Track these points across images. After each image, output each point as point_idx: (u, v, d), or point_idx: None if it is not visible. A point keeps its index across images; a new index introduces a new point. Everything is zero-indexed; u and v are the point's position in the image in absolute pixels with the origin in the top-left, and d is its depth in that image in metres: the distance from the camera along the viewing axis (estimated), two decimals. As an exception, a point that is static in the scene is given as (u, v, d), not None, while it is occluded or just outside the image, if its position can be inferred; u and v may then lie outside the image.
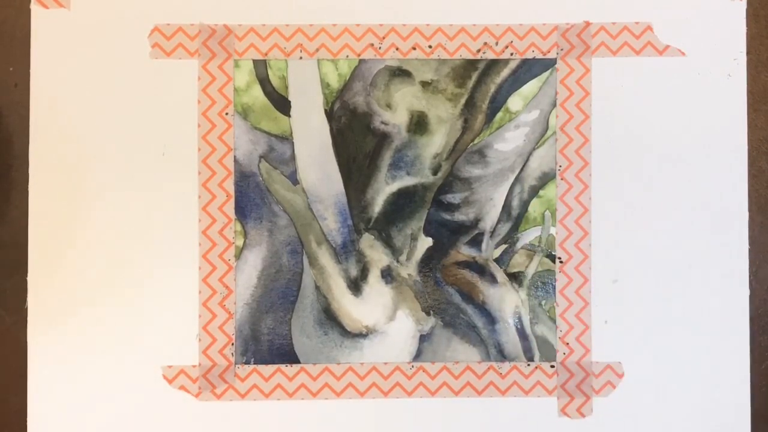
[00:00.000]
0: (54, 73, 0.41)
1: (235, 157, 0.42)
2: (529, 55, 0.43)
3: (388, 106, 0.42)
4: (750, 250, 0.43)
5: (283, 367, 0.42)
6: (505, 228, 0.43)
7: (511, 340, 0.42)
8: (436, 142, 0.42)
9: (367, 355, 0.42)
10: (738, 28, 0.43)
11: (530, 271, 0.43)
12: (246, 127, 0.42)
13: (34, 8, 0.42)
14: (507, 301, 0.43)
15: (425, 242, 0.43)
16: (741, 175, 0.43)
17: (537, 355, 0.42)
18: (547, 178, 0.43)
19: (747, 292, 0.42)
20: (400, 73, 0.42)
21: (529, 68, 0.43)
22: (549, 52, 0.43)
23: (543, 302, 0.43)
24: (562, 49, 0.43)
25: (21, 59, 0.41)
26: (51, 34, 0.42)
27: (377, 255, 0.42)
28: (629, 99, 0.43)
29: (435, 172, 0.43)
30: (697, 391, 0.42)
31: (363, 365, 0.42)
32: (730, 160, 0.43)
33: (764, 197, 0.43)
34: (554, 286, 0.42)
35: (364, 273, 0.42)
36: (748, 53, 0.43)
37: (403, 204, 0.42)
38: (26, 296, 0.41)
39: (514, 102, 0.43)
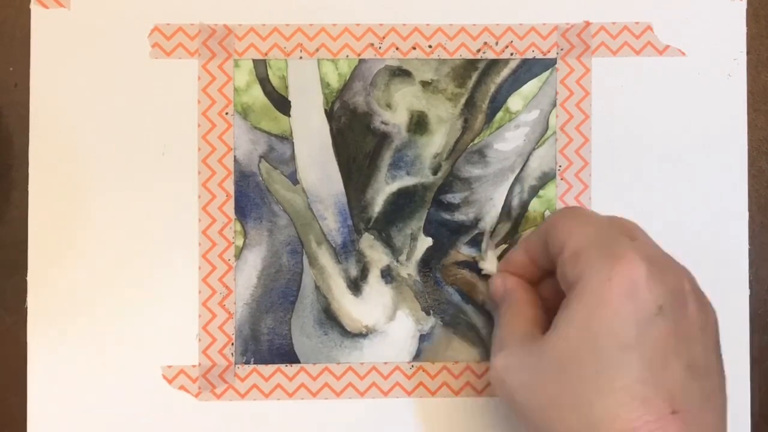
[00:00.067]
0: (54, 73, 0.41)
1: (235, 157, 0.42)
2: (529, 55, 0.43)
3: (388, 105, 0.42)
4: (750, 250, 0.43)
5: (283, 367, 0.42)
6: (505, 228, 0.43)
7: (511, 340, 0.42)
8: (436, 142, 0.42)
9: (367, 355, 0.42)
10: (738, 28, 0.43)
11: (530, 271, 0.43)
12: (246, 126, 0.42)
13: (34, 8, 0.42)
14: (507, 301, 0.43)
15: (425, 242, 0.43)
16: (741, 175, 0.43)
17: (537, 355, 0.42)
18: (547, 178, 0.43)
19: (747, 292, 0.42)
20: (400, 72, 0.42)
21: (529, 68, 0.43)
22: (549, 52, 0.43)
23: (543, 302, 0.42)
24: (562, 49, 0.43)
25: (21, 59, 0.41)
26: (51, 34, 0.42)
27: (377, 255, 0.42)
28: (629, 99, 0.43)
29: (435, 172, 0.43)
30: (697, 391, 0.42)
31: (363, 365, 0.42)
32: (730, 160, 0.43)
33: (764, 197, 0.43)
34: (554, 286, 0.42)
35: (364, 273, 0.42)
36: (748, 53, 0.43)
37: (403, 204, 0.42)
38: (26, 296, 0.41)
39: (514, 102, 0.43)
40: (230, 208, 0.42)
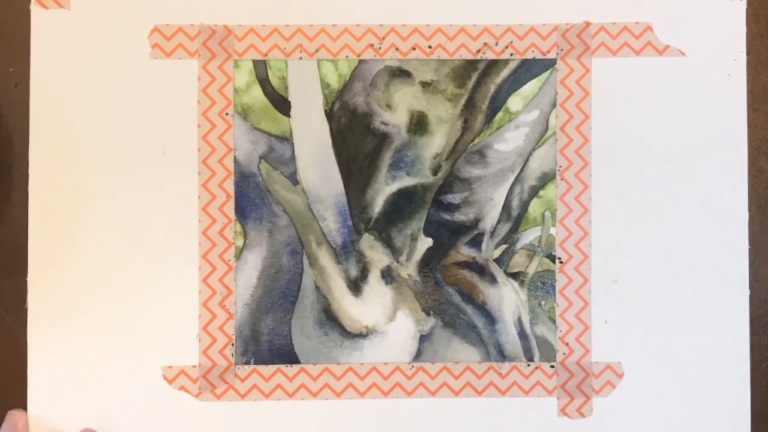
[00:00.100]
0: (54, 73, 0.41)
1: (235, 157, 0.42)
2: (529, 56, 0.43)
3: (388, 106, 0.42)
4: (750, 250, 0.43)
5: (283, 367, 0.42)
6: (505, 228, 0.43)
7: (511, 340, 0.42)
8: (436, 143, 0.42)
9: (367, 356, 0.42)
10: (738, 28, 0.43)
11: (530, 271, 0.43)
12: (246, 127, 0.42)
13: (34, 8, 0.42)
14: (507, 302, 0.43)
15: (425, 242, 0.43)
16: (741, 175, 0.43)
17: (537, 355, 0.42)
18: (547, 179, 0.43)
19: (747, 292, 0.42)
20: (400, 73, 0.42)
21: (529, 68, 0.43)
22: (549, 52, 0.43)
23: (543, 302, 0.43)
24: (562, 50, 0.43)
25: (21, 59, 0.41)
26: (51, 34, 0.42)
27: (377, 255, 0.42)
28: (629, 99, 0.43)
29: (435, 173, 0.43)
30: (697, 391, 0.42)
31: (363, 365, 0.42)
32: (730, 160, 0.43)
33: (764, 197, 0.43)
34: (554, 286, 0.42)
35: (364, 273, 0.42)
36: (748, 53, 0.43)
37: (403, 204, 0.42)
38: (26, 296, 0.41)
39: (514, 102, 0.43)
40: (230, 208, 0.42)
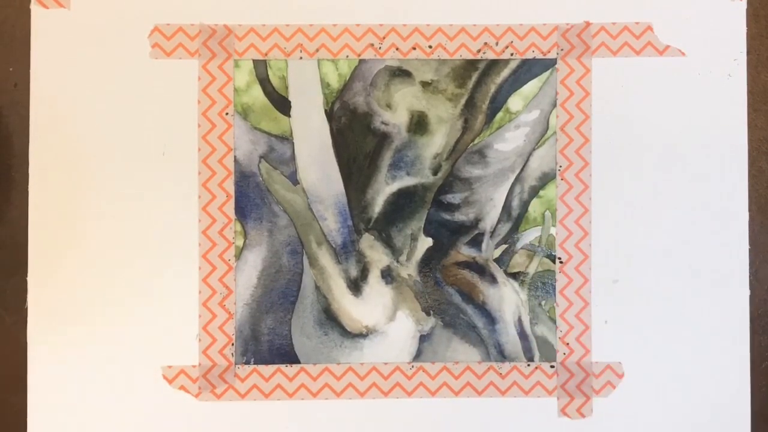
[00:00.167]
0: (54, 73, 0.41)
1: (235, 157, 0.42)
2: (530, 55, 0.43)
3: (388, 106, 0.42)
4: (750, 250, 0.43)
5: (283, 367, 0.42)
6: (505, 228, 0.43)
7: (511, 340, 0.42)
8: (436, 142, 0.42)
9: (367, 356, 0.42)
10: (738, 28, 0.43)
11: (530, 271, 0.43)
12: (246, 127, 0.42)
13: (34, 8, 0.42)
14: (507, 302, 0.43)
15: (425, 242, 0.43)
16: (741, 175, 0.43)
17: (537, 355, 0.42)
18: (547, 178, 0.43)
19: (747, 292, 0.42)
20: (400, 73, 0.42)
21: (530, 68, 0.43)
22: (549, 52, 0.43)
23: (543, 302, 0.43)
24: (562, 50, 0.43)
25: (21, 59, 0.41)
26: (51, 34, 0.42)
27: (377, 255, 0.42)
28: (629, 99, 0.43)
29: (435, 173, 0.43)
30: (697, 391, 0.42)
31: (363, 365, 0.42)
32: (730, 160, 0.43)
33: (764, 197, 0.43)
34: (554, 286, 0.42)
35: (364, 273, 0.42)
36: (748, 53, 0.43)
37: (403, 204, 0.42)
38: (26, 296, 0.41)
39: (514, 102, 0.43)
40: (230, 208, 0.42)
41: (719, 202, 0.42)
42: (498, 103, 0.43)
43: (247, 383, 0.42)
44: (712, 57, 0.43)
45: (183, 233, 0.41)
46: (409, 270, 0.43)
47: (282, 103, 0.42)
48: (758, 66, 0.43)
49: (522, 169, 0.43)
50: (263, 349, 0.42)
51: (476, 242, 0.43)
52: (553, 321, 0.42)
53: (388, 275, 0.42)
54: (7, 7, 0.42)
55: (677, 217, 0.42)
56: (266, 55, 0.42)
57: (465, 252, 0.43)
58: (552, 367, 0.42)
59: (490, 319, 0.42)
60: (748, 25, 0.43)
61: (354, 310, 0.42)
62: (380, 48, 0.42)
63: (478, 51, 0.42)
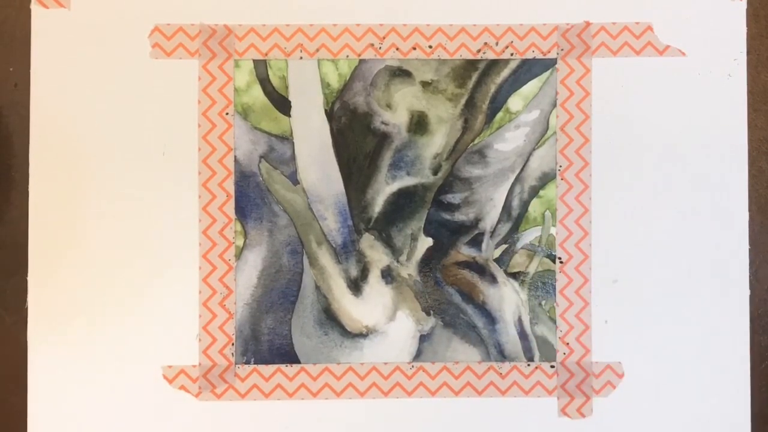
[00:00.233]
0: (54, 73, 0.41)
1: (235, 157, 0.42)
2: (530, 55, 0.43)
3: (389, 106, 0.42)
4: (750, 250, 0.43)
5: (283, 367, 0.42)
6: (505, 228, 0.43)
7: (511, 340, 0.42)
8: (436, 142, 0.42)
9: (367, 355, 0.42)
10: (738, 28, 0.43)
11: (530, 271, 0.43)
12: (246, 127, 0.42)
13: (34, 8, 0.42)
14: (507, 301, 0.43)
15: (425, 242, 0.43)
16: (741, 175, 0.43)
17: (537, 355, 0.42)
18: (547, 178, 0.43)
19: (747, 292, 0.42)
20: (400, 73, 0.42)
21: (530, 68, 0.43)
22: (549, 52, 0.43)
23: (543, 302, 0.43)
24: (562, 49, 0.43)
25: (21, 59, 0.41)
26: (51, 34, 0.42)
27: (377, 255, 0.42)
28: (629, 99, 0.43)
29: (435, 172, 0.43)
30: (697, 391, 0.42)
31: (363, 365, 0.42)
32: (730, 160, 0.43)
33: (764, 197, 0.43)
34: (554, 286, 0.42)
35: (364, 273, 0.42)
36: (748, 53, 0.43)
37: (403, 204, 0.42)
38: (26, 296, 0.41)
39: (515, 102, 0.43)
40: (230, 208, 0.42)
41: (719, 202, 0.42)
42: (498, 103, 0.43)
43: (247, 383, 0.42)
44: (712, 57, 0.43)
45: (183, 233, 0.41)
46: (409, 270, 0.43)
47: (282, 103, 0.42)
48: (758, 66, 0.43)
49: (522, 169, 0.43)
50: (263, 349, 0.42)
51: (476, 242, 0.43)
52: (553, 321, 0.42)
53: (388, 275, 0.42)
54: (7, 7, 0.42)
55: (677, 217, 0.42)
56: (266, 55, 0.42)
57: (465, 252, 0.43)
58: (552, 367, 0.42)
59: (490, 319, 0.42)
60: (748, 25, 0.43)
61: (354, 309, 0.42)
62: (380, 48, 0.42)
63: (478, 51, 0.42)
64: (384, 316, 0.42)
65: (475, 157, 0.43)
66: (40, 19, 0.42)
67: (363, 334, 0.42)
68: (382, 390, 0.42)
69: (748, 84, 0.43)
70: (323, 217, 0.42)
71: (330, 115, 0.42)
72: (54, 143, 0.41)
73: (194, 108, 0.42)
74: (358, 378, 0.42)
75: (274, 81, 0.42)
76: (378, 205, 0.42)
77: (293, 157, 0.42)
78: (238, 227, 0.42)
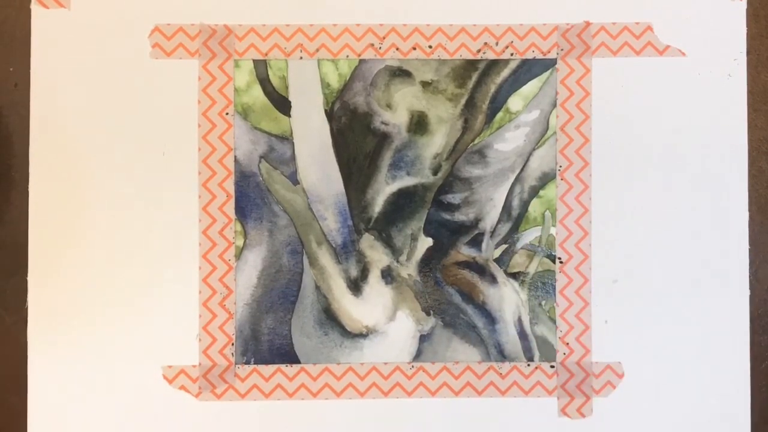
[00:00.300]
0: (54, 73, 0.41)
1: (235, 157, 0.42)
2: (530, 55, 0.43)
3: (389, 106, 0.42)
4: (750, 250, 0.43)
5: (283, 367, 0.42)
6: (505, 228, 0.43)
7: (511, 340, 0.42)
8: (436, 142, 0.42)
9: (367, 355, 0.42)
10: (738, 28, 0.43)
11: (530, 271, 0.43)
12: (246, 127, 0.42)
13: (34, 8, 0.42)
14: (507, 301, 0.43)
15: (425, 242, 0.43)
16: (741, 175, 0.43)
17: (537, 355, 0.42)
18: (547, 178, 0.43)
19: (747, 292, 0.42)
20: (400, 73, 0.42)
21: (530, 68, 0.43)
22: (549, 52, 0.43)
23: (543, 302, 0.43)
24: (562, 50, 0.43)
25: (21, 59, 0.41)
26: (51, 34, 0.42)
27: (377, 255, 0.42)
28: (629, 99, 0.43)
29: (435, 172, 0.43)
30: (697, 391, 0.42)
31: (363, 365, 0.42)
32: (730, 160, 0.43)
33: (764, 197, 0.43)
34: (554, 286, 0.42)
35: (364, 273, 0.42)
36: (748, 53, 0.43)
37: (403, 204, 0.42)
38: (26, 296, 0.41)
39: (515, 102, 0.43)
40: (230, 208, 0.42)
41: (719, 202, 0.42)
42: (498, 103, 0.43)
43: (247, 383, 0.42)
44: (712, 57, 0.43)
45: (183, 233, 0.41)
46: (409, 270, 0.43)
47: (282, 103, 0.42)
48: (758, 66, 0.43)
49: (522, 169, 0.43)
50: (263, 349, 0.42)
51: (476, 242, 0.43)
52: (553, 321, 0.42)
53: (388, 275, 0.42)
54: (7, 7, 0.42)
55: (677, 217, 0.42)
56: (266, 55, 0.42)
57: (465, 252, 0.43)
58: (552, 367, 0.42)
59: (490, 319, 0.42)
60: (748, 25, 0.43)
61: (354, 310, 0.42)
62: (380, 48, 0.42)
63: (478, 51, 0.42)
64: (384, 316, 0.42)
65: (475, 157, 0.43)
66: (40, 19, 0.42)
67: (363, 334, 0.42)
68: (382, 390, 0.42)
69: (748, 84, 0.43)
70: (323, 217, 0.42)
71: (330, 115, 0.42)
72: (54, 143, 0.41)
73: (194, 108, 0.42)
74: (358, 378, 0.42)
75: (274, 81, 0.42)
76: (378, 205, 0.42)
77: (293, 157, 0.42)
78: (238, 227, 0.42)
